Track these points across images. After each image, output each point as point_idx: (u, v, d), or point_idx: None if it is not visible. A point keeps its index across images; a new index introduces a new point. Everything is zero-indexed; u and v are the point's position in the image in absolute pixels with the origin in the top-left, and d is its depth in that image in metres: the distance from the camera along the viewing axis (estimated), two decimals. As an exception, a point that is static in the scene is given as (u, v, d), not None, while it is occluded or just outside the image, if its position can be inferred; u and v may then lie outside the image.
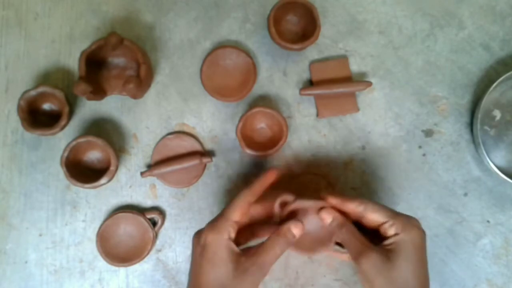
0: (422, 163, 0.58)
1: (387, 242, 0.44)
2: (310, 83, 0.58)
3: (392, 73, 0.59)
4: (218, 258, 0.42)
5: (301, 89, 0.57)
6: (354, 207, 0.46)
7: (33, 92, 0.54)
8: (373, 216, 0.45)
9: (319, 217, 0.47)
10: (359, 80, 0.58)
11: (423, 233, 0.45)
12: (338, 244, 0.48)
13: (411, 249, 0.43)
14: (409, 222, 0.45)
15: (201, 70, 0.57)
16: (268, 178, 0.48)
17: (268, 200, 0.48)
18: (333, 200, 0.47)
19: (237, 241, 0.45)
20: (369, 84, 0.56)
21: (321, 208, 0.47)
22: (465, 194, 0.58)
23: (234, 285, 0.42)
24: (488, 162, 0.55)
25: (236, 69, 0.57)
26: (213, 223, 0.43)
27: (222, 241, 0.42)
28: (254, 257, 0.44)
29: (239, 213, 0.44)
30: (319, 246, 0.48)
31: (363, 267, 0.43)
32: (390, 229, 0.44)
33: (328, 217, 0.47)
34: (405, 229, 0.44)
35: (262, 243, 0.45)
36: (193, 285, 0.43)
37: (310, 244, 0.48)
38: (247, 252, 0.44)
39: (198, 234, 0.45)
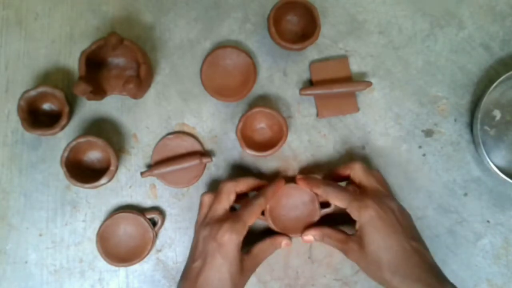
0: (422, 163, 0.58)
1: (356, 227, 0.49)
2: (310, 83, 0.59)
3: (392, 73, 0.59)
4: (232, 256, 0.47)
5: (301, 89, 0.57)
6: (320, 194, 0.52)
7: (33, 92, 0.54)
8: (335, 202, 0.50)
9: (303, 240, 0.53)
10: (359, 80, 0.58)
11: (377, 208, 0.48)
12: (322, 205, 0.54)
13: (371, 230, 0.47)
14: (363, 203, 0.48)
15: (201, 70, 0.57)
16: (279, 186, 0.53)
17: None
18: (303, 185, 0.53)
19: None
20: (369, 84, 0.56)
21: (303, 231, 0.53)
22: (465, 194, 0.58)
23: (239, 278, 0.48)
24: (488, 162, 0.55)
25: (236, 69, 0.57)
26: (233, 225, 0.48)
27: (237, 242, 0.48)
28: (253, 258, 0.51)
29: (254, 219, 0.50)
30: (308, 221, 0.53)
31: (350, 259, 0.50)
32: (352, 215, 0.49)
33: (310, 238, 0.53)
34: (360, 214, 0.48)
35: (257, 247, 0.52)
36: (200, 272, 0.47)
37: (299, 225, 0.53)
38: (247, 253, 0.51)
39: (212, 230, 0.48)
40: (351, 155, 0.58)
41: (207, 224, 0.49)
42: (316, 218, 0.53)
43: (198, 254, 0.48)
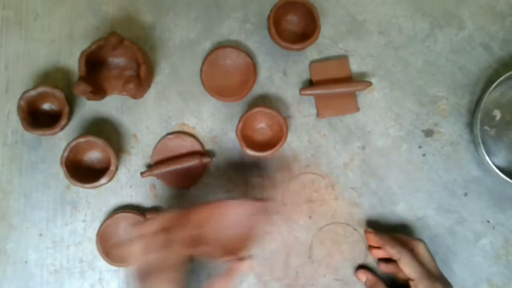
0: (422, 163, 0.58)
1: None
2: (310, 83, 0.59)
3: (392, 73, 0.59)
4: None
5: (301, 89, 0.57)
6: (391, 253, 0.52)
7: (33, 92, 0.54)
8: (405, 269, 0.51)
9: (357, 277, 0.56)
10: (359, 80, 0.58)
11: None
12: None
13: None
14: (433, 285, 0.49)
15: (201, 70, 0.57)
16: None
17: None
18: (376, 240, 0.54)
19: None
20: (369, 84, 0.56)
21: (358, 269, 0.56)
22: (465, 194, 0.58)
23: None
24: (488, 162, 0.54)
25: (236, 69, 0.57)
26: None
27: None
28: None
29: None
30: (250, 235, 0.49)
31: None
32: None
33: (363, 277, 0.56)
34: None
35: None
36: None
37: (242, 243, 0.49)
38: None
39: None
40: (351, 155, 0.58)
41: None
42: (258, 230, 0.49)
43: None
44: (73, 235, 0.57)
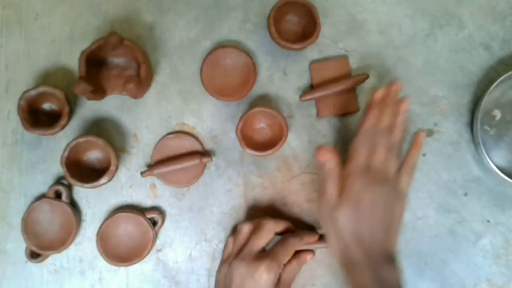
0: (422, 163, 0.58)
1: None
2: (311, 84, 0.58)
3: (392, 73, 0.59)
4: None
5: (300, 96, 0.57)
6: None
7: (33, 92, 0.54)
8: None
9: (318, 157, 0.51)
10: (356, 75, 0.58)
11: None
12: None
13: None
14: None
15: (201, 70, 0.57)
16: (313, 238, 0.54)
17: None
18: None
19: None
20: (366, 76, 0.56)
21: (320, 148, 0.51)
22: (465, 194, 0.58)
23: None
24: (488, 162, 0.55)
25: (236, 69, 0.57)
26: (271, 265, 0.49)
27: (274, 281, 0.49)
28: (282, 285, 0.51)
29: (288, 258, 0.51)
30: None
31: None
32: None
33: (326, 156, 0.50)
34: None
35: (285, 271, 0.52)
36: None
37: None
38: (278, 283, 0.51)
39: (250, 268, 0.49)
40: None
41: (242, 259, 0.50)
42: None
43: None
44: (73, 235, 0.57)
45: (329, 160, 0.49)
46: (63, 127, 0.54)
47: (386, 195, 0.48)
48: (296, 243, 0.52)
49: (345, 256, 0.47)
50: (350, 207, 0.47)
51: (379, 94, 0.52)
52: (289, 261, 0.52)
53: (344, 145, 0.58)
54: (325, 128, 0.58)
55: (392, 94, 0.52)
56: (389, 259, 0.46)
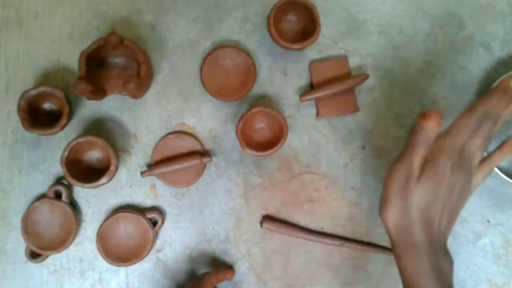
0: (422, 163, 0.58)
1: None
2: (311, 84, 0.58)
3: (392, 73, 0.59)
4: None
5: (300, 96, 0.57)
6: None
7: (33, 92, 0.54)
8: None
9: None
10: (356, 75, 0.58)
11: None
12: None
13: None
14: None
15: (201, 70, 0.57)
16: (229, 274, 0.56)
17: None
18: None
19: None
20: (366, 76, 0.56)
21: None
22: (465, 194, 0.58)
23: None
24: (488, 162, 0.54)
25: (236, 69, 0.57)
26: None
27: None
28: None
29: None
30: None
31: None
32: None
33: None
34: None
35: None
36: None
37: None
38: None
39: None
40: (351, 155, 0.58)
41: None
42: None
43: None
44: (73, 235, 0.57)
45: (433, 128, 0.43)
46: (63, 127, 0.54)
47: (465, 184, 0.45)
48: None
49: (407, 235, 0.43)
50: (431, 184, 0.43)
51: None
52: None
53: (344, 145, 0.58)
54: (325, 128, 0.58)
55: None
56: (446, 249, 0.44)
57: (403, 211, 0.43)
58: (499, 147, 0.50)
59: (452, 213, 0.45)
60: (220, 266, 0.57)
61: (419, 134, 0.43)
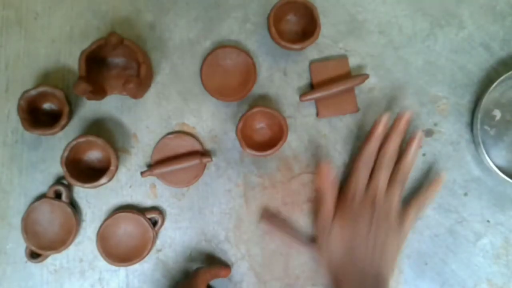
0: (422, 163, 0.58)
1: None
2: (311, 84, 0.58)
3: (392, 73, 0.59)
4: None
5: (300, 96, 0.57)
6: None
7: (33, 92, 0.54)
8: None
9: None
10: (356, 75, 0.58)
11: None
12: None
13: None
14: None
15: (201, 70, 0.57)
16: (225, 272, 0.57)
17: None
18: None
19: None
20: (366, 76, 0.56)
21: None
22: (465, 194, 0.58)
23: None
24: (488, 162, 0.55)
25: (236, 69, 0.57)
26: None
27: None
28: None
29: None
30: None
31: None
32: None
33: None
34: None
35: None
36: None
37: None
38: None
39: None
40: (351, 155, 0.58)
41: None
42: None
43: None
44: (73, 235, 0.57)
45: (328, 187, 0.53)
46: (63, 127, 0.54)
47: (386, 230, 0.51)
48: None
49: (337, 279, 0.50)
50: (345, 222, 0.51)
51: (385, 119, 0.54)
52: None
53: (344, 145, 0.58)
54: (325, 128, 0.58)
55: (402, 123, 0.55)
56: (381, 281, 0.48)
57: (328, 249, 0.52)
58: (430, 184, 0.55)
59: (383, 246, 0.50)
60: (215, 263, 0.57)
61: (319, 191, 0.54)
